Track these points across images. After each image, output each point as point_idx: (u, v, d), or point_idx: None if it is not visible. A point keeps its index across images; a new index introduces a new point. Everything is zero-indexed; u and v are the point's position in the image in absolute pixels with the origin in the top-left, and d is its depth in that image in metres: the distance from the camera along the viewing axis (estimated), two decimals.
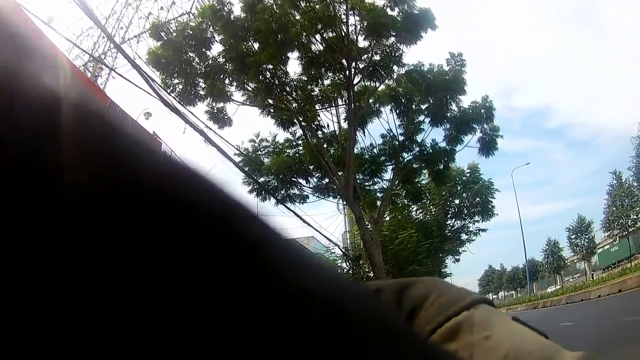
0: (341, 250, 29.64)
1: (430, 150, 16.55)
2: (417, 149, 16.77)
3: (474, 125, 15.67)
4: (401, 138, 16.37)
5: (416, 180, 18.29)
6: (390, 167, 17.11)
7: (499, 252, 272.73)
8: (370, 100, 15.58)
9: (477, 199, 28.26)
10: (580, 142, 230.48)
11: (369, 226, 15.59)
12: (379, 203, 17.35)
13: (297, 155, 17.18)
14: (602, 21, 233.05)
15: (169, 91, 13.37)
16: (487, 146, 15.97)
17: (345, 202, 15.68)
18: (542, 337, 0.55)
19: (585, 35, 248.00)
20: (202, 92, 14.04)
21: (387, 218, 27.42)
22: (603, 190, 62.44)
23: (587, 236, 76.09)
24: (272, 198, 17.30)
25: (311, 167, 16.82)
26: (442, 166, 17.29)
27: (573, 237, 77.41)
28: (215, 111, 14.56)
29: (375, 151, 17.27)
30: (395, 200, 19.00)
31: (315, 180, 17.85)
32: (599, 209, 64.64)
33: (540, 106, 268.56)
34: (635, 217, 56.36)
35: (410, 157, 17.10)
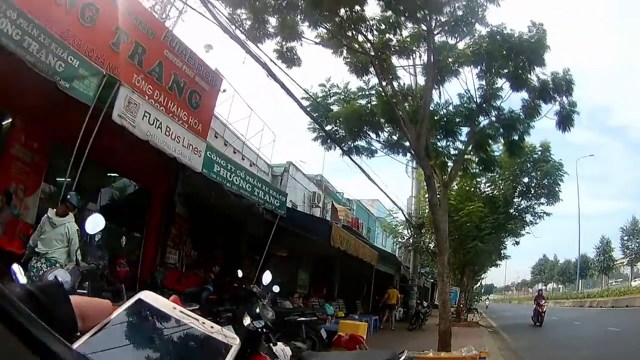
0: (404, 215, 29.34)
1: (509, 116, 15.78)
2: (495, 113, 16.01)
3: (554, 95, 14.97)
4: (479, 100, 15.55)
5: (490, 149, 17.25)
6: (465, 129, 16.33)
7: (553, 242, 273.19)
8: (450, 60, 14.84)
9: (546, 180, 27.25)
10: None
11: (439, 188, 14.99)
12: (450, 164, 16.67)
13: (369, 105, 16.55)
14: None
15: (236, 25, 12.95)
16: (565, 120, 15.35)
17: (415, 159, 15.05)
18: None
19: None
20: (271, 30, 13.34)
21: (455, 186, 26.85)
22: None
23: (639, 240, 73.24)
24: (337, 148, 16.97)
25: (382, 120, 16.25)
26: (517, 137, 16.54)
27: (626, 238, 74.71)
28: (285, 50, 13.84)
29: (452, 109, 16.51)
30: (466, 166, 18.06)
31: (386, 134, 17.30)
32: None
33: (604, 103, 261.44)
34: None
35: (487, 122, 16.39)
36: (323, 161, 75.28)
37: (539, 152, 27.03)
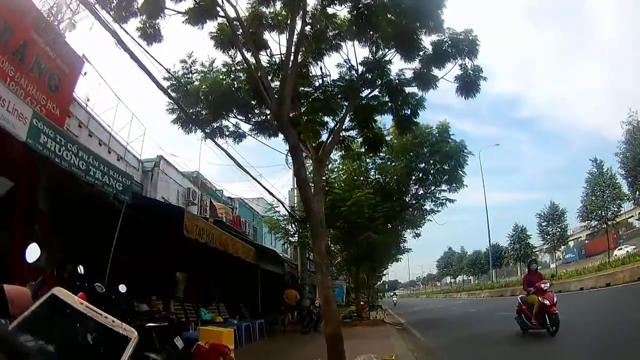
0: (286, 209, 28.24)
1: (396, 83, 14.64)
2: (379, 82, 14.77)
3: (455, 57, 13.62)
4: (361, 69, 14.49)
5: (375, 125, 16.25)
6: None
7: (460, 236, 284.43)
8: (330, 33, 14.05)
9: (447, 164, 26.78)
10: (548, 136, 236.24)
11: (311, 165, 13.83)
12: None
13: (234, 83, 15.43)
14: (581, 23, 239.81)
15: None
16: (468, 86, 13.86)
17: (278, 127, 13.64)
18: None
19: (561, 33, 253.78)
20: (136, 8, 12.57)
21: (343, 176, 25.94)
22: (571, 185, 62.56)
23: (559, 225, 76.37)
24: (198, 130, 15.67)
25: (250, 98, 15.17)
26: (409, 110, 15.43)
27: (544, 224, 77.58)
28: (147, 26, 12.95)
29: (329, 80, 15.18)
30: (348, 144, 16.98)
31: (256, 117, 16.20)
32: (567, 201, 64.47)
33: (511, 94, 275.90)
34: (616, 209, 56.42)
35: (372, 93, 15.22)
36: (199, 157, 73.39)
37: (436, 134, 26.57)
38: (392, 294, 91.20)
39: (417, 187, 28.96)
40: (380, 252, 31.74)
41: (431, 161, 27.17)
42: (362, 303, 33.41)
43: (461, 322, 25.61)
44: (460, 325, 23.76)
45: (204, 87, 14.89)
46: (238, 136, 16.49)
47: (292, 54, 12.02)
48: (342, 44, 14.26)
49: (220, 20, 13.11)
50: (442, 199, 29.28)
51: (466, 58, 13.60)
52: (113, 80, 51.04)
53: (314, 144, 15.19)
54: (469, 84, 13.81)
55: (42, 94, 13.24)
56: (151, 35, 12.97)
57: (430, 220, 32.12)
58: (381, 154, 26.17)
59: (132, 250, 13.53)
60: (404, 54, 13.73)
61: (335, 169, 27.46)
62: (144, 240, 13.44)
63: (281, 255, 30.34)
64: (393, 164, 27.73)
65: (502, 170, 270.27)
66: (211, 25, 13.35)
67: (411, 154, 26.81)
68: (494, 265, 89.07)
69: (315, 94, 15.04)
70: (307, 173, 13.33)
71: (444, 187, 28.18)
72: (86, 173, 10.33)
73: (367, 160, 27.38)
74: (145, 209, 13.07)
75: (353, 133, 16.43)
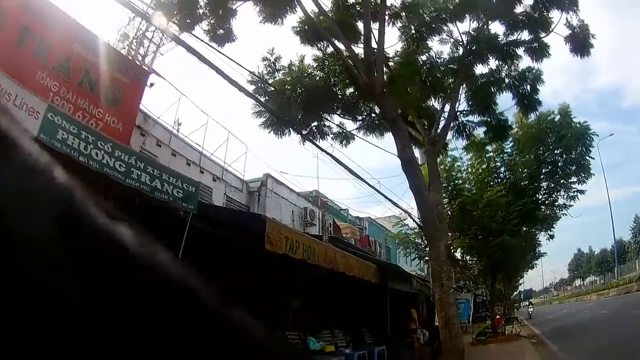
0: (414, 220, 24.96)
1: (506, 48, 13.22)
2: (493, 59, 13.42)
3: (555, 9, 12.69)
4: (468, 43, 12.96)
5: (495, 108, 14.58)
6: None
7: (586, 237, 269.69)
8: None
9: (573, 152, 23.43)
10: None
11: (422, 148, 11.60)
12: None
13: (329, 78, 13.88)
14: None
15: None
16: (582, 42, 12.89)
17: (372, 99, 11.68)
18: None
19: None
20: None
21: (471, 176, 24.16)
22: None
23: None
24: (292, 132, 14.02)
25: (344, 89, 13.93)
26: (528, 87, 13.99)
27: None
28: (216, 26, 12.53)
29: (432, 53, 13.25)
30: (470, 133, 15.06)
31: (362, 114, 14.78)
32: None
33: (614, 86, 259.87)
34: None
35: (486, 70, 13.74)
36: (317, 172, 70.41)
37: (558, 118, 23.47)
38: (527, 303, 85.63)
39: (547, 181, 25.41)
40: (515, 257, 28.16)
41: (558, 150, 23.95)
42: (497, 317, 29.71)
43: (596, 328, 23.11)
44: (595, 332, 21.18)
45: (289, 79, 13.50)
46: (344, 138, 14.97)
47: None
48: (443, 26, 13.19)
49: (300, 14, 12.34)
50: (574, 192, 25.52)
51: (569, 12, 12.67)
52: (194, 95, 51.51)
53: (425, 126, 13.21)
54: (580, 41, 12.90)
55: (96, 108, 12.60)
56: (222, 35, 12.58)
57: (565, 214, 28.20)
58: (507, 150, 24.38)
59: (222, 274, 11.41)
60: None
61: (463, 170, 24.95)
62: (234, 259, 11.15)
63: (412, 272, 27.07)
64: (521, 158, 24.63)
65: (613, 165, 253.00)
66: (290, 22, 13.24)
67: (537, 144, 23.62)
68: (619, 262, 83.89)
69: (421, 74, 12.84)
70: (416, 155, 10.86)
71: (573, 179, 24.65)
72: (126, 175, 8.22)
73: (496, 159, 25.01)
74: (224, 223, 10.70)
75: (473, 119, 15.08)
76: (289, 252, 10.47)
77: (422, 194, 9.56)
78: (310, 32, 12.79)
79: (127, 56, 14.69)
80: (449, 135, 14.51)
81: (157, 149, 14.64)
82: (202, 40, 11.80)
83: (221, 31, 12.50)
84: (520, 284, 71.62)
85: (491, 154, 23.61)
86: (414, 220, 24.88)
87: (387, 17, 12.67)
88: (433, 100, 13.82)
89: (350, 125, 14.99)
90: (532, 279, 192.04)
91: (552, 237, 31.54)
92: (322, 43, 13.32)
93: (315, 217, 23.33)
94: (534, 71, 13.75)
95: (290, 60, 14.05)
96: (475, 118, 14.97)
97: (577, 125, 23.11)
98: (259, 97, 13.14)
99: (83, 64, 12.48)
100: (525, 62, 13.91)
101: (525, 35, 13.08)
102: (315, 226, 23.11)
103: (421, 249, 26.62)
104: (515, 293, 65.16)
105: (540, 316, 52.44)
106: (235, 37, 12.75)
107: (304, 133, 13.84)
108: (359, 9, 12.72)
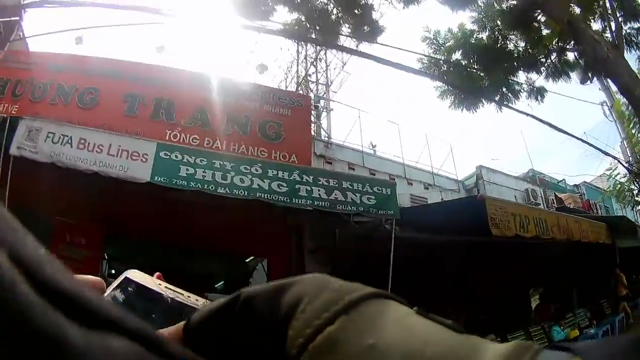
0: (623, 165, 21.81)
1: None
2: None
3: None
4: None
5: None
6: None
7: None
8: None
9: None
10: None
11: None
12: None
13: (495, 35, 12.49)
14: None
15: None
16: None
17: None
18: (452, 332, 0.43)
19: None
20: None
21: None
22: None
23: None
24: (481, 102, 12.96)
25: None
26: None
27: None
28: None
29: None
30: None
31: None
32: None
33: None
34: None
35: None
36: (526, 150, 64.49)
37: None
38: None
39: None
40: None
41: None
42: None
43: None
44: None
45: (455, 44, 12.59)
46: (537, 93, 13.11)
47: None
48: None
49: None
50: None
51: None
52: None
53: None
54: None
55: (258, 148, 11.52)
56: (369, 32, 12.18)
57: None
58: None
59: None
60: None
61: None
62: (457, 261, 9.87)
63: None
64: None
65: None
66: None
67: None
68: None
69: None
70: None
71: None
72: (289, 195, 7.57)
73: None
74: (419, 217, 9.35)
75: None
76: (519, 232, 8.80)
77: (632, 93, 7.69)
78: None
79: (277, 88, 14.40)
80: None
81: (361, 169, 14.02)
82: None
83: (366, 28, 12.10)
84: None
85: None
86: (624, 167, 21.89)
87: None
88: None
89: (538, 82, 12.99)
90: None
91: None
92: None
93: (537, 196, 21.71)
94: None
95: (449, 27, 13.09)
96: None
97: None
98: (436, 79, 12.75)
99: (225, 110, 11.83)
100: None
101: None
102: (540, 205, 21.05)
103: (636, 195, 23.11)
104: None
105: None
106: (383, 28, 12.31)
107: (496, 100, 12.72)
108: None
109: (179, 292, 1.80)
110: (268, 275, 11.25)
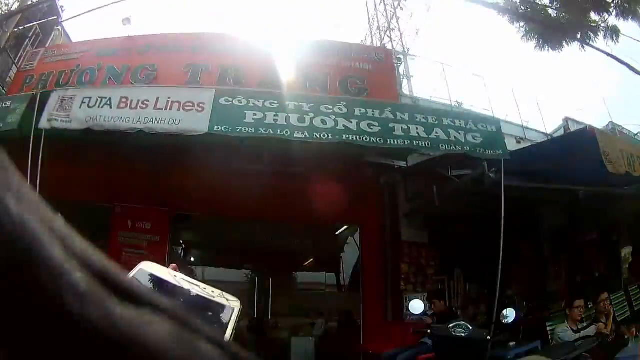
0: None
1: None
2: None
3: None
4: None
5: None
6: None
7: None
8: None
9: None
10: None
11: None
12: None
13: None
14: None
15: None
16: None
17: None
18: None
19: None
20: None
21: None
22: None
23: None
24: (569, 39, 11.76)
25: None
26: None
27: None
28: None
29: None
30: None
31: None
32: None
33: None
34: None
35: None
36: (604, 103, 57.77)
37: None
38: None
39: None
40: None
41: None
42: None
43: None
44: None
45: None
46: (612, 32, 11.53)
47: None
48: None
49: None
50: None
51: None
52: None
53: None
54: None
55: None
56: None
57: None
58: None
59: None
60: None
61: None
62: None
63: None
64: None
65: None
66: None
67: None
68: None
69: None
70: None
71: None
72: (383, 136, 6.36)
73: None
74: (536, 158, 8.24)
75: None
76: (629, 170, 7.55)
77: None
78: None
79: (355, 43, 13.84)
80: None
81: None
82: None
83: None
84: None
85: None
86: None
87: None
88: None
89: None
90: None
91: None
92: None
93: None
94: None
95: None
96: None
97: None
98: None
99: (302, 70, 11.19)
100: None
101: None
102: None
103: None
104: None
105: None
106: None
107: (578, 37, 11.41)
108: None
109: (195, 284, 2.76)
110: (360, 248, 10.32)
